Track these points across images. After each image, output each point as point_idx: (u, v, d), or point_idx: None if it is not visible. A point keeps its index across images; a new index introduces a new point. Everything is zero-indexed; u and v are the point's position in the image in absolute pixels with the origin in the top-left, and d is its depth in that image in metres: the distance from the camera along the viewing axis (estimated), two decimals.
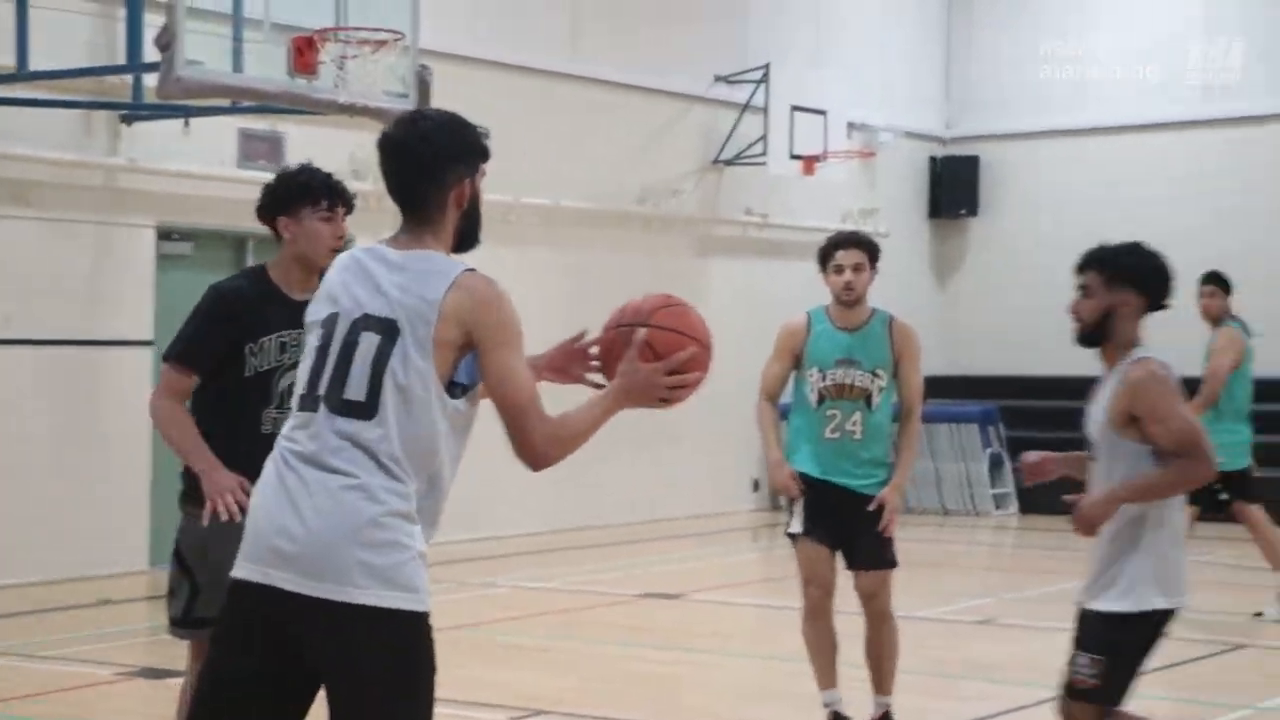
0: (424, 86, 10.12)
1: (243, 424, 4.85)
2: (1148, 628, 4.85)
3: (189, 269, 11.55)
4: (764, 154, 15.12)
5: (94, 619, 9.58)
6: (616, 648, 8.89)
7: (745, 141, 15.28)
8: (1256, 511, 9.73)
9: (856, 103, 16.17)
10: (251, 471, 3.70)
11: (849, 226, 15.83)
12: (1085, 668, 4.84)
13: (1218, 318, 9.93)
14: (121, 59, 10.52)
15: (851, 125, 16.15)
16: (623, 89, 14.63)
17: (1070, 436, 5.49)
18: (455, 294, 3.34)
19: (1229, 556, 11.89)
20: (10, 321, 10.68)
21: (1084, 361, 5.19)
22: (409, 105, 10.01)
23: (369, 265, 3.42)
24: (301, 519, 3.27)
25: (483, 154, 3.51)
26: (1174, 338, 10.00)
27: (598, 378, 3.64)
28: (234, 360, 4.90)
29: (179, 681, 7.27)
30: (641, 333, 3.50)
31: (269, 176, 5.28)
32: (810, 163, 15.31)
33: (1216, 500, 9.75)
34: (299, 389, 3.42)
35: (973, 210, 18.11)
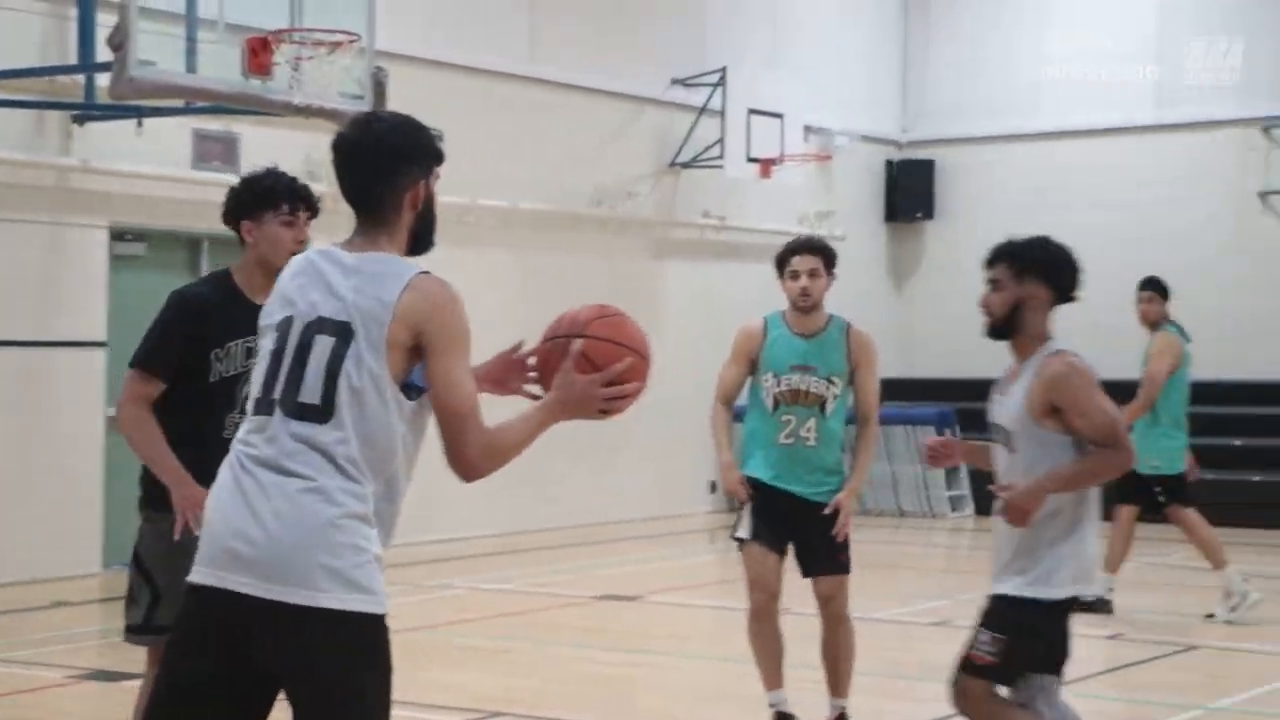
0: (380, 88, 10.10)
1: (208, 429, 4.83)
2: (1056, 615, 4.95)
3: (142, 270, 11.48)
4: (721, 157, 15.15)
5: (46, 621, 9.51)
6: (573, 649, 8.89)
7: (702, 144, 15.30)
8: (1192, 514, 9.82)
9: (813, 106, 16.21)
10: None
11: (805, 229, 15.90)
12: (986, 644, 4.94)
13: (1155, 323, 10.02)
14: (73, 59, 10.45)
15: (808, 129, 16.20)
16: (579, 91, 14.63)
17: None
18: (409, 295, 3.33)
19: (1180, 558, 11.99)
20: None
21: None
22: (364, 107, 9.99)
23: (323, 268, 3.41)
24: (260, 523, 3.27)
25: (437, 156, 3.51)
26: (1124, 343, 10.14)
27: (536, 389, 3.61)
28: (199, 366, 4.88)
29: (131, 684, 7.22)
30: (578, 344, 3.47)
31: (223, 177, 5.26)
32: (767, 166, 15.35)
33: (1155, 502, 9.85)
34: (254, 393, 3.41)
35: (928, 214, 18.19)
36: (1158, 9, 17.16)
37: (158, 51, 9.33)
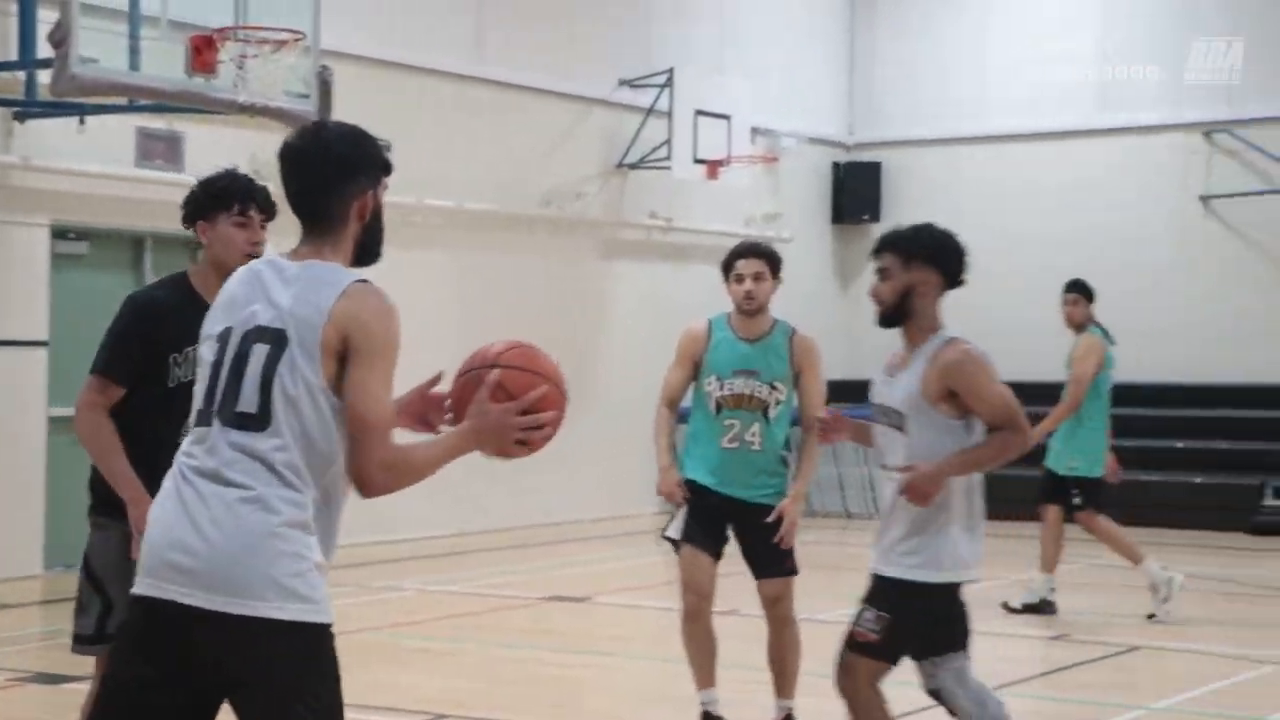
0: (325, 87, 10.05)
1: (166, 435, 4.76)
2: (947, 596, 5.04)
3: (85, 269, 11.37)
4: (668, 158, 15.15)
5: None
6: (520, 650, 8.87)
7: (649, 145, 15.30)
8: (1102, 521, 9.91)
9: (760, 108, 16.25)
10: None
11: (753, 231, 15.94)
12: (870, 622, 5.07)
13: (1080, 324, 10.09)
14: (14, 54, 10.34)
15: (755, 130, 16.22)
16: (526, 91, 14.60)
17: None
18: (343, 302, 3.31)
19: (1123, 559, 12.07)
20: None
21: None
22: (310, 106, 9.94)
23: (265, 277, 3.40)
24: (200, 533, 3.26)
25: (385, 167, 3.49)
26: (1069, 344, 10.21)
27: (451, 429, 3.57)
28: (157, 371, 4.84)
29: (73, 687, 7.16)
30: (494, 373, 3.44)
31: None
32: (714, 167, 15.37)
33: (1071, 504, 9.92)
34: (196, 405, 3.40)
35: (875, 216, 18.26)
36: (1101, 14, 17.30)
37: (100, 48, 9.25)
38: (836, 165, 18.38)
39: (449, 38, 13.97)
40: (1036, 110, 17.45)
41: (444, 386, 3.63)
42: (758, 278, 6.47)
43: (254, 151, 11.03)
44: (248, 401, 3.30)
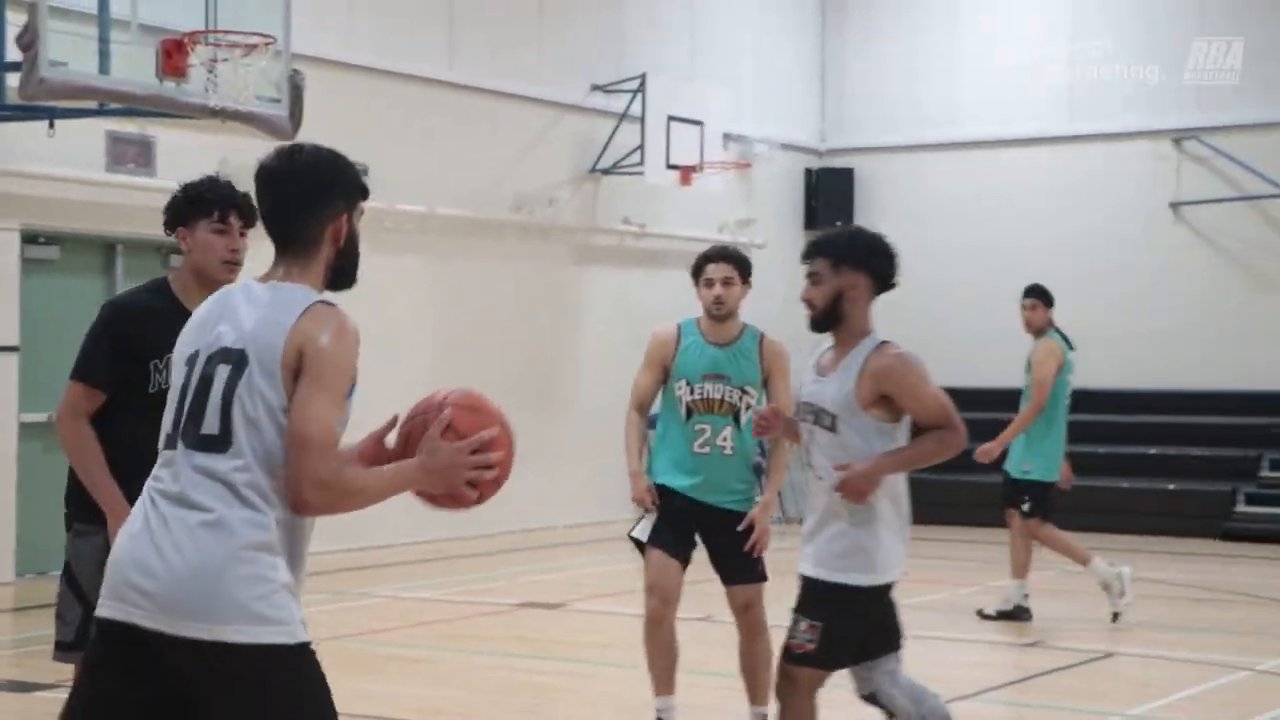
0: (296, 91, 9.99)
1: (147, 441, 4.73)
2: (875, 600, 5.06)
3: (55, 274, 11.28)
4: (641, 164, 15.15)
5: None
6: (495, 658, 8.83)
7: (622, 151, 15.29)
8: (1047, 528, 9.92)
9: (733, 114, 16.26)
10: None
11: (726, 237, 15.95)
12: (804, 633, 5.07)
13: (1040, 329, 10.11)
14: None
15: (728, 136, 16.24)
16: (499, 97, 14.58)
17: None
18: (303, 320, 3.30)
19: (1072, 562, 12.09)
20: None
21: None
22: (281, 110, 9.88)
23: (236, 300, 3.39)
24: (161, 557, 3.24)
25: (362, 191, 3.48)
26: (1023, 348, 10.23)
27: None
28: (138, 376, 4.81)
29: (44, 695, 7.10)
30: (446, 413, 3.40)
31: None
32: (687, 173, 15.36)
33: (1021, 509, 9.93)
34: (164, 429, 3.39)
35: (848, 222, 18.28)
36: (1072, 22, 17.36)
37: (70, 52, 9.17)
38: (809, 171, 18.40)
39: (421, 42, 13.94)
40: (1008, 117, 17.52)
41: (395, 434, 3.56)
42: (727, 282, 6.47)
43: (225, 156, 10.99)
44: (210, 424, 3.28)
